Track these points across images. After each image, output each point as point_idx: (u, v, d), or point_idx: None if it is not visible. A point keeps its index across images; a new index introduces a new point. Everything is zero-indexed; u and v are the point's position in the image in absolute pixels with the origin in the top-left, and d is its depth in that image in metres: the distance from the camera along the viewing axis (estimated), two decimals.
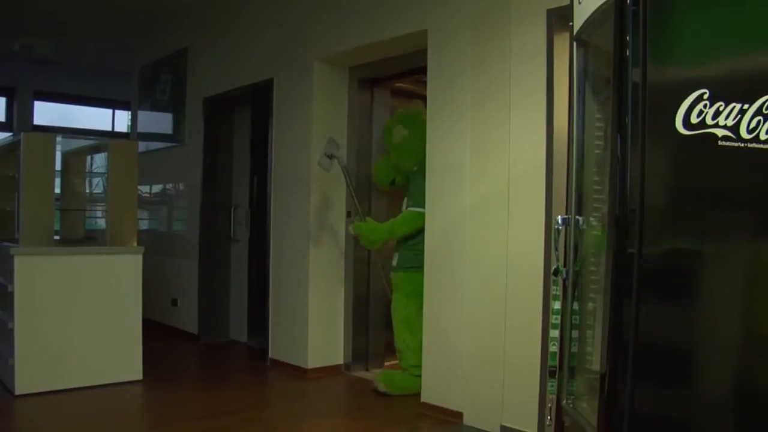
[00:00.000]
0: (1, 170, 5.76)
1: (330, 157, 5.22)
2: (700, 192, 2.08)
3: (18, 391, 4.66)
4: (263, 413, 4.59)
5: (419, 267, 4.77)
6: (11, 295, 4.68)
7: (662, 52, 2.05)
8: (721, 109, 1.98)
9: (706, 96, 1.97)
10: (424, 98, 4.75)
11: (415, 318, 4.87)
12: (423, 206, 4.76)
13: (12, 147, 5.42)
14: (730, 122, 1.98)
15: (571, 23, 2.71)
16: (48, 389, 4.76)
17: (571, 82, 2.77)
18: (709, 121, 1.97)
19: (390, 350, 5.33)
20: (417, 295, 4.79)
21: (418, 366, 4.72)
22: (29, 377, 4.71)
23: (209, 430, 4.17)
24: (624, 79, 2.05)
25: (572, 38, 2.73)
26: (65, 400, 4.70)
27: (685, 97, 1.99)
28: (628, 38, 2.04)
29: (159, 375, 5.36)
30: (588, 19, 2.47)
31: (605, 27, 2.23)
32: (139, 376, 5.18)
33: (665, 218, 2.08)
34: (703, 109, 1.97)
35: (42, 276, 4.79)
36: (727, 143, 1.99)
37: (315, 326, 5.49)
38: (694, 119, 1.98)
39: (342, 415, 4.47)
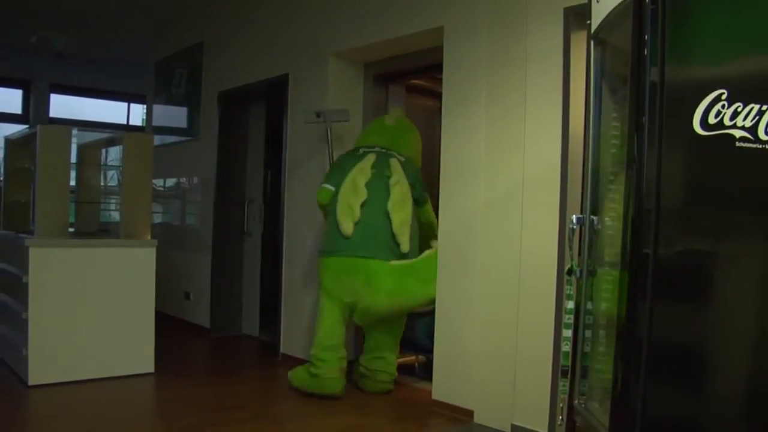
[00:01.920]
0: (18, 162, 5.80)
1: (318, 116, 5.25)
2: (716, 193, 2.06)
3: (31, 382, 4.69)
4: (274, 408, 4.60)
5: (322, 252, 4.81)
6: (26, 286, 4.70)
7: (681, 52, 2.04)
8: (739, 109, 1.96)
9: (724, 96, 1.96)
10: (439, 95, 4.74)
11: (318, 306, 4.87)
12: (329, 183, 4.87)
13: (28, 139, 5.46)
14: (748, 123, 1.96)
15: (588, 21, 2.70)
16: (61, 380, 4.78)
17: (588, 80, 2.76)
18: (727, 121, 1.96)
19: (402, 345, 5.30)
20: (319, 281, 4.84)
21: (320, 359, 4.67)
22: (42, 368, 4.74)
23: (220, 424, 4.18)
24: (642, 79, 2.04)
25: (590, 37, 2.72)
26: (78, 391, 4.73)
27: (703, 98, 1.98)
28: (646, 37, 2.03)
29: (171, 368, 5.38)
30: (606, 17, 2.46)
31: (623, 26, 2.22)
32: (151, 368, 5.20)
33: (681, 219, 2.07)
34: (721, 110, 1.96)
35: (56, 267, 4.81)
36: (745, 144, 1.97)
37: None
38: (711, 120, 1.97)
39: (352, 411, 4.46)
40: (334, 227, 4.69)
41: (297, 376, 4.78)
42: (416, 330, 5.29)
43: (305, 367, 4.78)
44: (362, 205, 4.67)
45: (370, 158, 4.83)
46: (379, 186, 4.73)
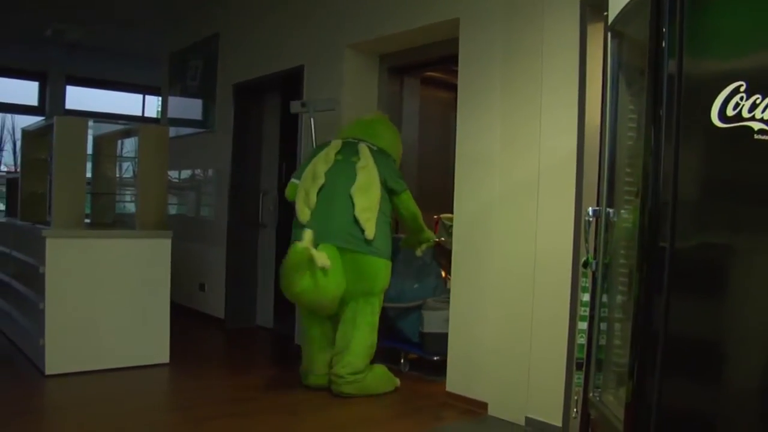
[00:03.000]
0: (35, 153, 5.84)
1: (303, 105, 5.28)
2: (734, 186, 2.05)
3: (48, 371, 4.73)
4: (288, 398, 4.61)
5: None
6: (42, 276, 4.74)
7: (699, 44, 2.03)
8: (758, 102, 1.95)
9: (742, 88, 1.94)
10: (455, 87, 4.73)
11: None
12: (296, 177, 4.81)
13: (45, 131, 5.49)
14: (767, 116, 1.95)
15: (605, 13, 2.69)
16: (77, 370, 4.82)
17: (604, 72, 2.75)
18: (745, 114, 1.95)
19: (391, 339, 5.28)
20: None
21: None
22: (59, 358, 4.77)
23: (234, 414, 4.20)
24: (659, 71, 2.03)
25: (606, 28, 2.71)
26: (93, 381, 4.76)
27: (722, 90, 1.97)
28: (664, 29, 2.02)
29: (185, 359, 5.41)
30: (623, 9, 2.45)
31: (641, 18, 2.21)
32: (166, 359, 5.24)
33: (698, 212, 2.06)
34: (739, 102, 1.95)
35: (73, 258, 4.85)
36: (763, 137, 1.96)
37: None
38: (729, 112, 1.96)
39: (367, 402, 4.47)
40: (295, 217, 4.61)
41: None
42: (405, 325, 5.19)
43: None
44: (321, 191, 4.52)
45: (336, 144, 4.73)
46: (344, 171, 4.57)
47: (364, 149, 4.67)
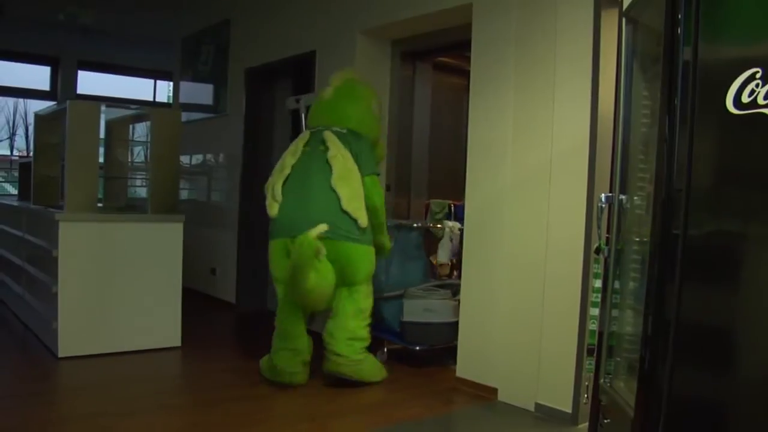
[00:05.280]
0: (47, 138, 5.86)
1: (297, 101, 5.26)
2: (748, 173, 2.04)
3: (61, 354, 4.77)
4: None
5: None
6: (55, 260, 4.77)
7: (714, 31, 2.01)
8: None
9: (758, 75, 1.93)
10: (467, 73, 4.71)
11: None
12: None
13: (58, 115, 5.51)
14: None
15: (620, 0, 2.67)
16: (89, 353, 4.87)
17: (619, 59, 2.74)
18: (760, 100, 1.93)
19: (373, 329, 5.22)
20: None
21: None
22: (72, 340, 4.82)
23: (246, 397, 4.23)
24: (674, 58, 2.02)
25: (621, 15, 2.70)
26: (106, 364, 4.80)
27: (737, 76, 1.95)
28: (679, 16, 2.01)
29: (197, 342, 5.45)
30: None
31: (656, 4, 2.20)
32: (178, 342, 5.27)
33: (711, 199, 2.05)
34: (754, 89, 1.94)
35: (85, 242, 4.88)
36: None
37: None
38: (745, 99, 1.95)
39: (376, 387, 4.49)
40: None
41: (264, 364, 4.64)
42: (388, 314, 5.10)
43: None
44: (286, 183, 4.39)
45: (303, 136, 4.60)
46: (315, 162, 4.43)
47: (329, 136, 4.49)
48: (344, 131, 4.56)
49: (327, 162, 4.40)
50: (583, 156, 3.83)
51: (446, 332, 4.87)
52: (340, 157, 4.40)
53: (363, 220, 4.35)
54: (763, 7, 2.01)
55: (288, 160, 4.49)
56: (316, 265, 4.10)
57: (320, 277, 4.15)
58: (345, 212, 4.30)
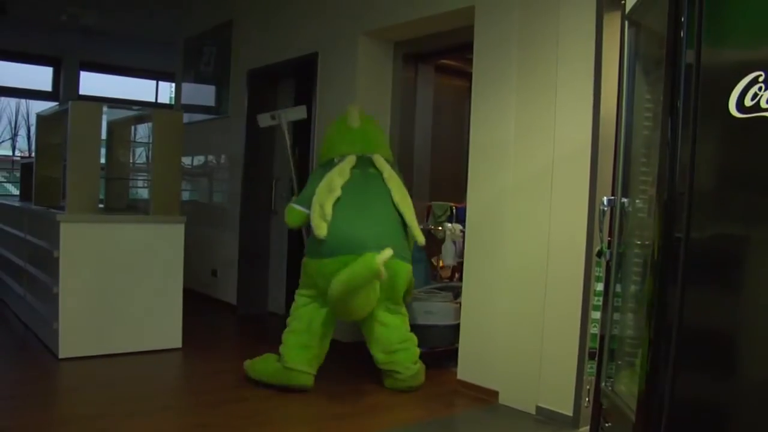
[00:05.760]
0: (49, 138, 5.87)
1: (273, 118, 5.00)
2: (750, 177, 2.03)
3: (62, 355, 4.77)
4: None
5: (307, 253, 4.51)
6: (56, 260, 4.77)
7: (717, 34, 2.01)
8: None
9: (761, 78, 1.92)
10: (469, 75, 4.71)
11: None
12: (300, 204, 4.55)
13: (60, 116, 5.51)
14: None
15: (623, 2, 2.67)
16: (90, 354, 4.87)
17: (621, 62, 2.74)
18: (763, 104, 1.93)
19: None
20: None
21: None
22: (72, 341, 4.81)
23: (246, 399, 4.23)
24: (677, 61, 2.01)
25: (624, 18, 2.69)
26: (107, 365, 4.80)
27: (740, 80, 1.94)
28: (682, 19, 2.00)
29: (198, 344, 5.45)
30: None
31: (659, 7, 2.19)
32: (179, 344, 5.27)
33: (714, 203, 2.05)
34: (757, 92, 1.93)
35: (87, 242, 4.87)
36: None
37: None
38: (748, 102, 1.94)
39: (377, 390, 4.49)
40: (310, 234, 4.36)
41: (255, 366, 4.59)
42: None
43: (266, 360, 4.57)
44: (337, 203, 4.33)
45: (350, 159, 4.53)
46: (369, 183, 4.50)
47: (379, 160, 4.61)
48: (386, 158, 4.69)
49: (384, 184, 4.51)
50: (585, 159, 3.83)
51: (447, 335, 4.87)
52: (395, 179, 4.55)
53: (421, 239, 4.49)
54: (766, 10, 2.00)
55: (336, 181, 4.41)
56: (375, 285, 4.08)
57: (374, 297, 4.15)
58: (405, 231, 4.44)
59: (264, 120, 5.03)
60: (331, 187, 4.39)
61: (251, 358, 4.60)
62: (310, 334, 4.38)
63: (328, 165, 4.59)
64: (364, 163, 4.59)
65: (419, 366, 4.54)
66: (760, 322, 2.02)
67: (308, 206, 4.44)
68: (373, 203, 4.45)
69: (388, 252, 3.96)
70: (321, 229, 4.22)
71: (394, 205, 4.48)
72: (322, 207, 4.31)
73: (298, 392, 4.33)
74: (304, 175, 6.26)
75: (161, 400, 4.23)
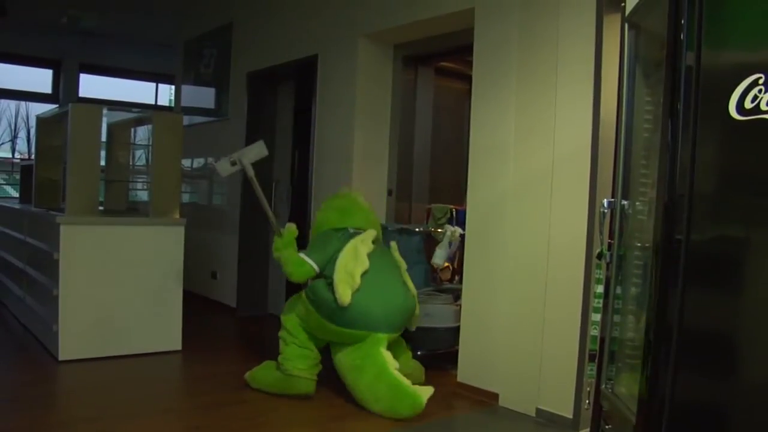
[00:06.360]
0: (49, 141, 5.88)
1: (233, 164, 4.64)
2: (751, 179, 2.03)
3: (61, 357, 4.77)
4: None
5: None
6: (56, 262, 4.77)
7: (717, 36, 2.01)
8: None
9: (761, 81, 1.92)
10: (469, 77, 4.71)
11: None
12: (311, 258, 4.42)
13: (60, 118, 5.52)
14: None
15: (623, 4, 2.67)
16: (90, 356, 4.87)
17: (621, 64, 2.74)
18: (763, 106, 1.93)
19: None
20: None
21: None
22: (72, 343, 4.81)
23: (246, 401, 4.23)
24: (677, 63, 2.01)
25: (624, 20, 2.69)
26: (106, 367, 4.80)
27: (740, 82, 1.95)
28: (682, 21, 2.00)
29: (198, 346, 5.45)
30: (641, 0, 2.44)
31: (659, 9, 2.20)
32: (179, 346, 5.27)
33: (714, 205, 2.05)
34: (758, 95, 1.93)
35: (87, 245, 4.87)
36: None
37: None
38: (748, 104, 1.94)
39: None
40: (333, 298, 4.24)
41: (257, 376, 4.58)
42: None
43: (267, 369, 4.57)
44: (365, 275, 4.28)
45: (371, 233, 4.52)
46: (385, 256, 4.55)
47: (394, 246, 4.73)
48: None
49: (392, 256, 4.61)
50: (585, 161, 3.83)
51: (447, 337, 4.86)
52: (397, 252, 4.66)
53: (418, 311, 4.59)
54: (766, 13, 2.01)
55: (362, 249, 4.36)
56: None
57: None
58: (413, 304, 4.48)
59: (224, 168, 4.67)
60: (358, 255, 4.33)
61: (251, 360, 4.61)
62: (308, 345, 4.39)
63: (343, 233, 4.51)
64: (377, 240, 4.60)
65: (415, 365, 4.56)
66: (760, 324, 2.02)
67: (320, 264, 4.37)
68: (392, 278, 4.46)
69: (430, 391, 4.10)
70: (347, 296, 4.15)
71: (403, 281, 4.53)
72: (351, 276, 4.23)
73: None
74: (303, 179, 6.30)
75: (161, 403, 4.23)
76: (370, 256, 4.37)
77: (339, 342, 4.30)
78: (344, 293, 4.15)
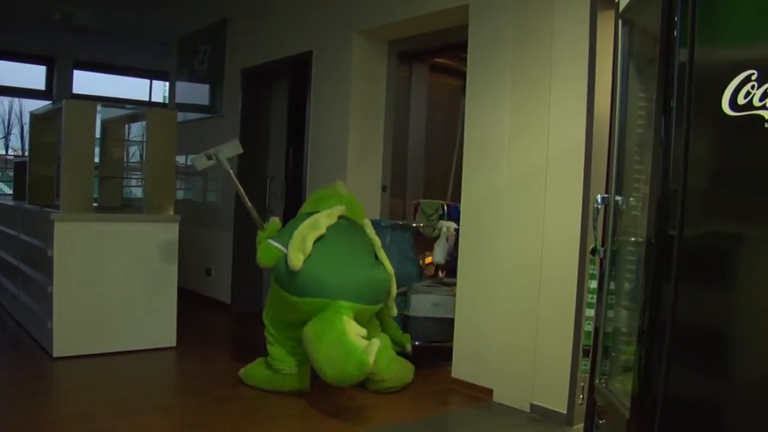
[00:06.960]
0: (43, 137, 5.86)
1: (209, 158, 4.73)
2: (743, 174, 2.04)
3: (56, 354, 4.77)
4: None
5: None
6: (51, 259, 4.76)
7: (710, 33, 2.02)
8: None
9: (754, 77, 1.93)
10: (463, 74, 4.72)
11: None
12: (278, 241, 4.34)
13: (53, 114, 5.50)
14: None
15: (616, 1, 2.68)
16: (85, 353, 4.86)
17: (615, 60, 2.75)
18: (756, 102, 1.94)
19: None
20: None
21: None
22: (67, 340, 4.81)
23: (241, 397, 4.23)
24: (670, 60, 2.02)
25: (617, 17, 2.70)
26: (101, 364, 4.80)
27: (732, 78, 1.96)
28: (676, 18, 2.01)
29: (192, 342, 5.45)
30: None
31: (652, 6, 2.20)
32: (173, 343, 5.27)
33: (707, 200, 2.06)
34: (750, 91, 1.94)
35: (81, 241, 4.87)
36: None
37: None
38: (740, 100, 1.95)
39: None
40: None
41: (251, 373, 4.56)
42: None
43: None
44: (318, 241, 4.22)
45: (340, 208, 4.48)
46: (355, 231, 4.51)
47: (368, 222, 4.67)
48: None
49: (368, 237, 4.54)
50: (579, 157, 3.84)
51: (451, 328, 4.86)
52: (378, 239, 4.58)
53: (395, 290, 4.46)
54: (759, 9, 2.02)
55: (323, 220, 4.32)
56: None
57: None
58: (389, 281, 4.38)
59: (200, 162, 4.76)
60: (316, 224, 4.29)
61: (245, 358, 4.60)
62: (287, 342, 4.38)
63: (312, 215, 4.46)
64: (350, 218, 4.57)
65: (399, 365, 4.47)
66: (753, 319, 2.03)
67: (285, 245, 4.25)
68: (356, 251, 4.39)
69: (375, 345, 3.90)
70: (297, 260, 4.09)
71: (377, 257, 4.48)
72: (303, 240, 4.18)
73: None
74: (298, 175, 6.29)
75: (155, 399, 4.23)
76: (331, 227, 4.33)
77: (307, 319, 4.13)
78: (295, 257, 4.08)
